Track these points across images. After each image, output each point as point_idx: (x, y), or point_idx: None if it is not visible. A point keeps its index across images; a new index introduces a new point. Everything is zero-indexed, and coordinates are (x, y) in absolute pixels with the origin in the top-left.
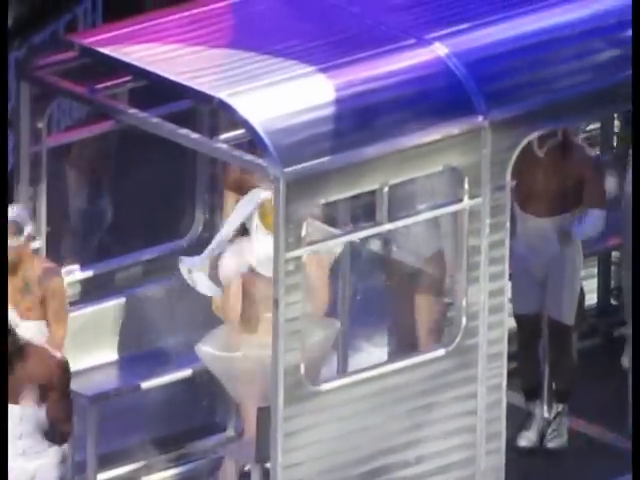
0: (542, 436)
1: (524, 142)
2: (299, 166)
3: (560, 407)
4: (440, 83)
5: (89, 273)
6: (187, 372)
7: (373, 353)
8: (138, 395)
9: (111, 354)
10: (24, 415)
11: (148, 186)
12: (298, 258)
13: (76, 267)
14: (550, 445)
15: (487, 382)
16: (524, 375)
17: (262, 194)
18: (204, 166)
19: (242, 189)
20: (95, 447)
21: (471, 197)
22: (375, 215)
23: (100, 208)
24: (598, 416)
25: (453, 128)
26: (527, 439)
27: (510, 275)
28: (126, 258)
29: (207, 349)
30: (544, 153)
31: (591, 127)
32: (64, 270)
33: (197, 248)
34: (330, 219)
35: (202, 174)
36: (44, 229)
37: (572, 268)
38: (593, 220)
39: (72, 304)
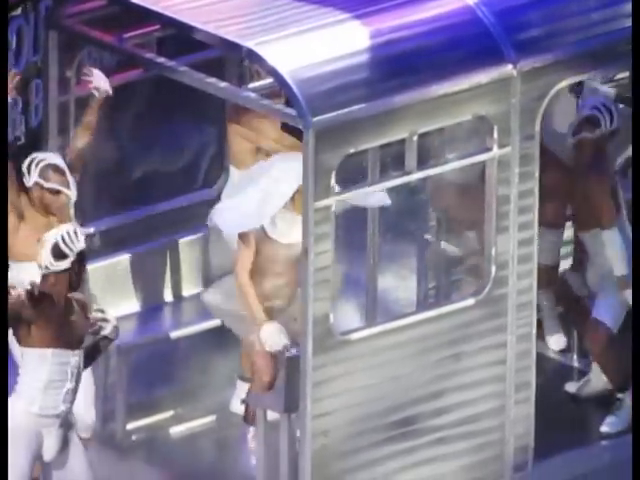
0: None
1: (553, 91)
2: (328, 115)
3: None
4: (469, 32)
5: (118, 222)
6: (216, 322)
7: (401, 303)
8: (167, 345)
9: (139, 304)
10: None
11: (177, 135)
12: (327, 207)
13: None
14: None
15: (517, 331)
16: None
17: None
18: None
19: (244, 121)
20: (124, 397)
21: (500, 146)
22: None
23: (129, 157)
24: None
25: (482, 77)
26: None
27: None
28: (156, 207)
29: (211, 298)
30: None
31: (620, 76)
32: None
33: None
34: (359, 168)
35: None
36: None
37: None
38: None
39: (100, 254)
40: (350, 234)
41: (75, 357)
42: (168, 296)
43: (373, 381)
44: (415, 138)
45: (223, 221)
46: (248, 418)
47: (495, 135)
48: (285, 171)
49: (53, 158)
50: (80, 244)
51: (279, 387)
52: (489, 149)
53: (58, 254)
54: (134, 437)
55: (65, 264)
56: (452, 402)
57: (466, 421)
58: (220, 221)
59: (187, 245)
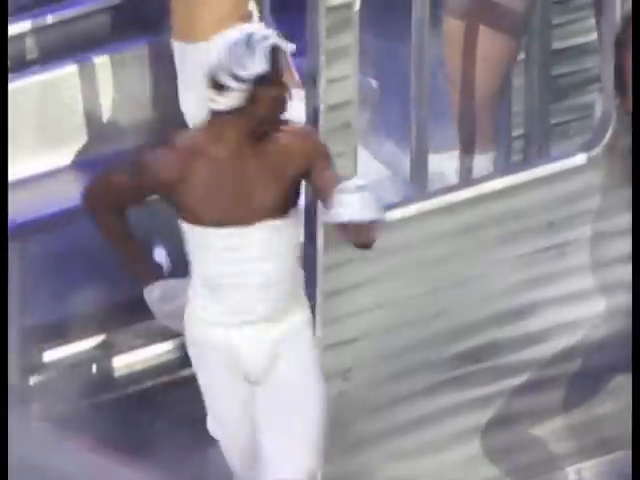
0: None
1: None
2: None
3: None
4: None
5: (34, 24)
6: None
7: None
8: (87, 225)
9: (64, 154)
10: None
11: None
12: (347, 5)
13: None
14: None
15: None
16: None
17: None
18: None
19: None
20: (18, 315)
21: None
22: None
23: None
24: None
25: None
26: None
27: None
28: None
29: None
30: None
31: None
32: None
33: None
34: None
35: None
36: None
37: None
38: None
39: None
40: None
41: None
42: (108, 143)
43: (420, 290)
44: None
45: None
46: None
47: None
48: None
49: None
50: (259, 61)
51: None
52: None
53: (217, 82)
54: (33, 380)
55: (233, 99)
56: (548, 324)
57: (572, 355)
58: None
59: (131, 59)
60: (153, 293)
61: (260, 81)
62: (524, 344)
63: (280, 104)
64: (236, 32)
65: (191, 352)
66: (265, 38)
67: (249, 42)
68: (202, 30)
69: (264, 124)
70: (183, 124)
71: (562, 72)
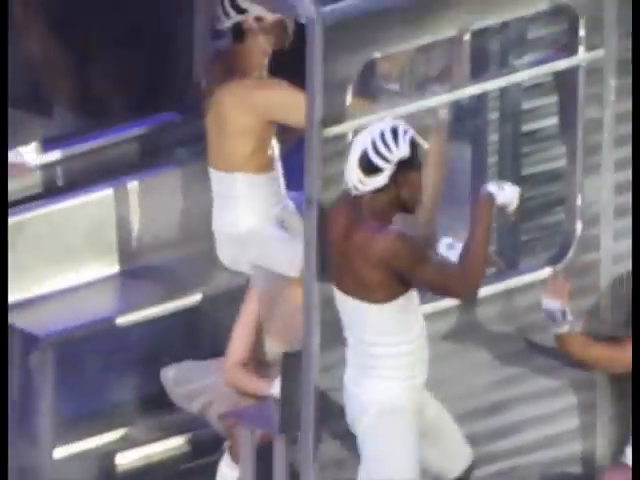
0: None
1: None
2: (343, 4)
3: None
4: None
5: (55, 155)
6: (188, 299)
7: None
8: (115, 333)
9: (87, 271)
10: None
11: (129, 38)
12: (341, 137)
13: (32, 147)
14: None
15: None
16: None
17: None
18: (203, 14)
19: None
20: (51, 411)
21: (589, 48)
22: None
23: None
24: None
25: None
26: None
27: None
28: (104, 135)
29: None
30: None
31: None
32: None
33: (195, 119)
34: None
35: (200, 23)
36: None
37: None
38: None
39: (35, 198)
40: None
41: None
42: (113, 265)
43: None
44: (467, 38)
45: None
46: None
47: (582, 32)
48: None
49: None
50: (403, 146)
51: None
52: (574, 52)
53: (369, 165)
54: (66, 468)
55: (381, 179)
56: (522, 417)
57: (543, 444)
58: None
59: (153, 187)
60: (168, 375)
61: (402, 164)
62: (499, 435)
63: (418, 188)
64: (384, 124)
65: (391, 421)
66: (406, 131)
67: (395, 131)
68: (234, 161)
69: (408, 204)
70: (210, 244)
71: (530, 195)
